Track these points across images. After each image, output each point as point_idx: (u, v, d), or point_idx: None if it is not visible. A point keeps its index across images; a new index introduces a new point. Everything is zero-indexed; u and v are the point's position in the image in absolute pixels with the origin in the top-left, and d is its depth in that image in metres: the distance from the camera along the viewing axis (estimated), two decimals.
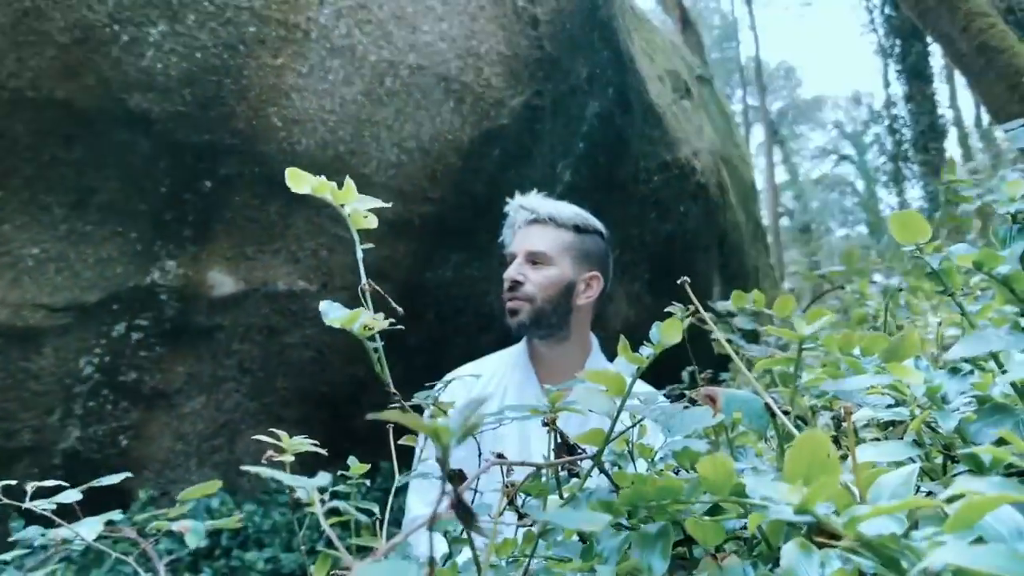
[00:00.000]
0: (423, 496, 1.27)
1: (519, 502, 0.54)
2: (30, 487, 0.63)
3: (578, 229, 1.36)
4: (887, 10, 11.92)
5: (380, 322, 0.53)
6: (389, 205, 0.61)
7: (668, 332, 0.49)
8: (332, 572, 0.59)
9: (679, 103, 4.34)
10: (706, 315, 0.55)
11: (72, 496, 0.62)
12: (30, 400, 2.20)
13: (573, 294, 1.33)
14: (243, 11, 2.23)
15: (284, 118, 2.35)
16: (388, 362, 0.58)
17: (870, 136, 20.74)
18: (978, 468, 0.42)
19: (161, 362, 2.42)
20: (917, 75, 11.64)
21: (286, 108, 2.35)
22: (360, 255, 0.59)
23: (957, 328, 1.20)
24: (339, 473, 0.65)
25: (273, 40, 2.29)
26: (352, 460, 0.65)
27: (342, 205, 0.58)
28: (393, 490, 0.68)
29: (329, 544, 0.48)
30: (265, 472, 0.51)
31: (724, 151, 5.04)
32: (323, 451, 0.58)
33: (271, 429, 0.62)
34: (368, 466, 0.65)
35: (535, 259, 1.33)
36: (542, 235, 1.34)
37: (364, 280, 0.58)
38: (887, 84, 13.14)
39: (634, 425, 0.55)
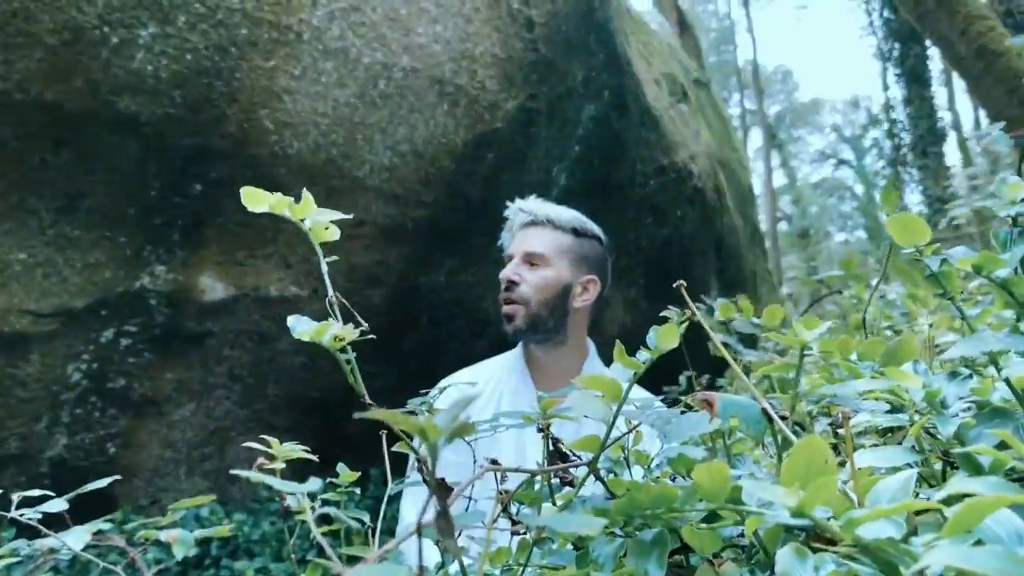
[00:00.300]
0: (417, 503, 1.26)
1: (513, 510, 0.53)
2: (15, 496, 0.62)
3: (576, 232, 1.36)
4: (886, 13, 11.99)
5: (351, 333, 0.52)
6: (350, 217, 0.60)
7: (665, 337, 0.48)
8: None
9: (676, 106, 4.36)
10: (703, 319, 0.54)
11: (58, 505, 0.61)
12: (16, 407, 2.18)
13: (569, 296, 1.33)
14: (235, 13, 2.22)
15: (276, 121, 2.34)
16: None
17: (869, 140, 20.87)
18: (976, 471, 0.42)
19: (150, 369, 2.39)
20: (916, 79, 11.70)
21: (278, 111, 2.34)
22: (325, 268, 0.59)
23: (952, 332, 1.20)
24: (329, 481, 0.64)
25: (265, 42, 2.28)
26: (342, 467, 0.64)
27: (302, 220, 0.57)
28: (386, 498, 0.67)
29: (320, 553, 0.47)
30: (255, 476, 0.50)
31: (721, 155, 5.06)
32: (314, 457, 0.58)
33: (262, 436, 0.61)
34: (358, 474, 0.64)
35: (532, 260, 1.33)
36: (539, 237, 1.34)
37: (331, 293, 0.57)
38: (886, 88, 13.20)
39: (630, 431, 0.54)
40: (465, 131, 2.71)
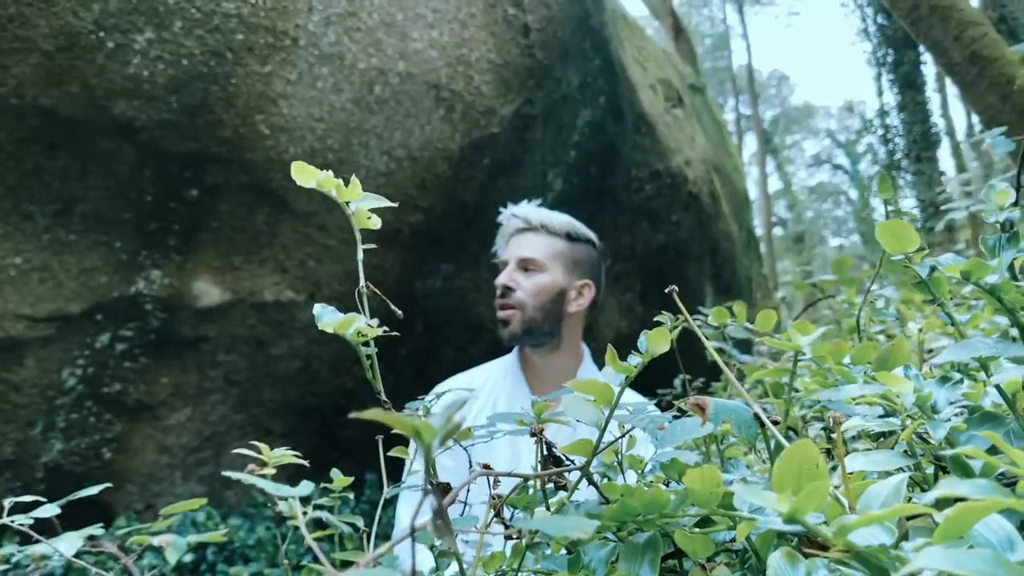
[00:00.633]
0: (413, 508, 1.26)
1: (508, 514, 0.53)
2: (7, 502, 0.61)
3: (570, 237, 1.36)
4: (880, 19, 12.06)
5: (374, 328, 0.52)
6: (396, 205, 0.60)
7: (655, 341, 0.49)
8: None
9: (671, 112, 4.37)
10: (696, 324, 0.54)
11: (51, 511, 0.61)
12: (11, 412, 2.17)
13: (564, 301, 1.33)
14: (231, 18, 2.23)
15: (272, 126, 2.34)
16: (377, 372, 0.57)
17: (863, 145, 20.96)
18: (966, 475, 0.42)
19: (145, 373, 2.39)
20: (910, 84, 11.75)
21: (274, 116, 2.34)
22: (360, 255, 0.59)
23: (946, 336, 1.20)
24: (322, 486, 0.64)
25: (261, 47, 2.29)
26: (335, 472, 0.64)
27: (347, 203, 0.57)
28: (381, 502, 0.67)
29: (315, 559, 0.47)
30: (248, 479, 0.50)
31: (717, 160, 5.08)
32: (306, 463, 0.57)
33: (257, 442, 0.61)
34: (352, 479, 0.64)
35: (526, 266, 1.33)
36: (534, 242, 1.34)
37: (363, 283, 0.57)
38: (880, 93, 13.26)
39: (623, 436, 0.55)
40: (461, 136, 2.72)
